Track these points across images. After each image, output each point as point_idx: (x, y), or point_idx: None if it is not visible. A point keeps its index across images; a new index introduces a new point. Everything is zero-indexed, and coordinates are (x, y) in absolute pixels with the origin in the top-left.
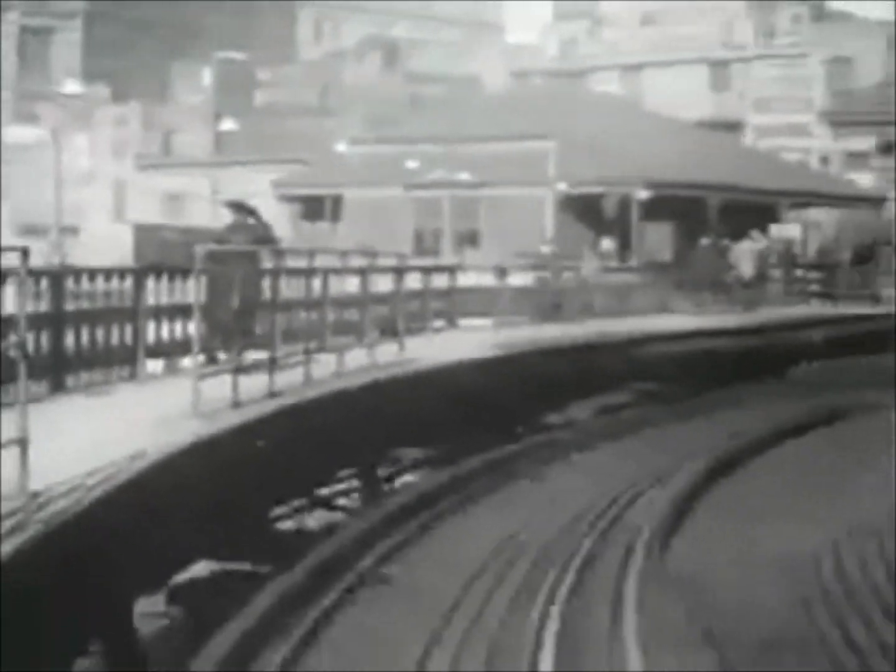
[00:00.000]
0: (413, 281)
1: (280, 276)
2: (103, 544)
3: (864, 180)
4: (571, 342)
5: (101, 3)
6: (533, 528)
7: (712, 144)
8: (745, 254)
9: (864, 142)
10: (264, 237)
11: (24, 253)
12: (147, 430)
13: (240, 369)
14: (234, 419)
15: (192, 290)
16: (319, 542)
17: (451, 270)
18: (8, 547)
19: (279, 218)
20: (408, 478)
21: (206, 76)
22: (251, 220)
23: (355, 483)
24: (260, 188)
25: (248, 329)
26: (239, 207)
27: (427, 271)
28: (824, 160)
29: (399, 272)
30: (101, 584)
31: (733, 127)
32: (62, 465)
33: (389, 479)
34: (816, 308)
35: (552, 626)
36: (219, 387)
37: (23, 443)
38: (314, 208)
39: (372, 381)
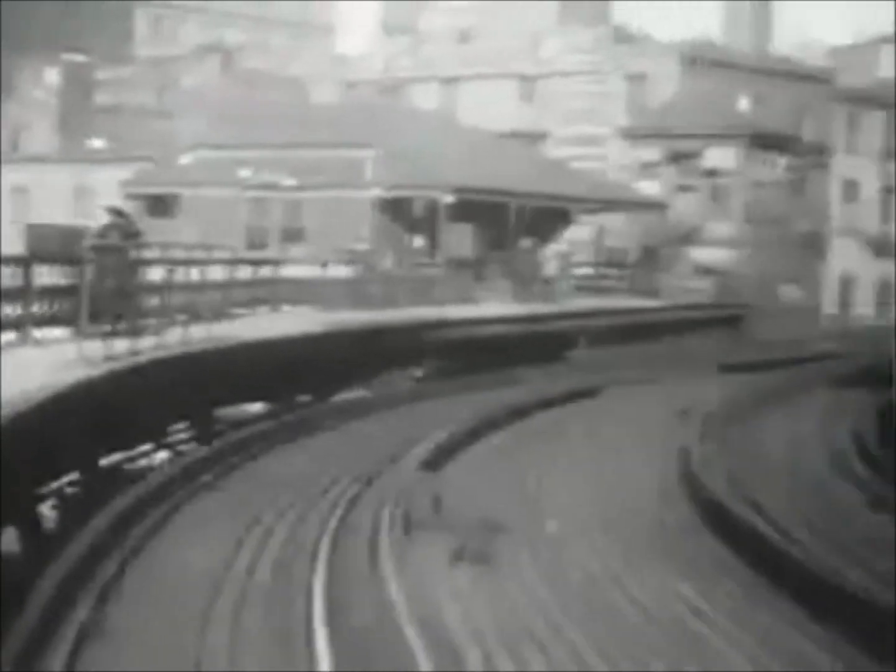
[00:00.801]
0: (243, 272)
1: (141, 265)
2: (30, 435)
3: (654, 188)
4: (376, 325)
5: None
6: (334, 460)
7: (514, 154)
8: (550, 255)
9: (655, 153)
10: (133, 234)
11: None
12: (48, 373)
13: (110, 334)
14: (107, 367)
15: (80, 275)
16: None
17: (275, 263)
18: None
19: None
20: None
21: (51, 75)
22: (122, 221)
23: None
24: (107, 186)
25: (118, 305)
26: (114, 210)
27: (254, 263)
28: (620, 169)
29: (230, 264)
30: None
31: (539, 138)
32: None
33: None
34: (606, 301)
35: (339, 510)
36: (93, 348)
37: None
38: (157, 205)
39: (211, 348)
